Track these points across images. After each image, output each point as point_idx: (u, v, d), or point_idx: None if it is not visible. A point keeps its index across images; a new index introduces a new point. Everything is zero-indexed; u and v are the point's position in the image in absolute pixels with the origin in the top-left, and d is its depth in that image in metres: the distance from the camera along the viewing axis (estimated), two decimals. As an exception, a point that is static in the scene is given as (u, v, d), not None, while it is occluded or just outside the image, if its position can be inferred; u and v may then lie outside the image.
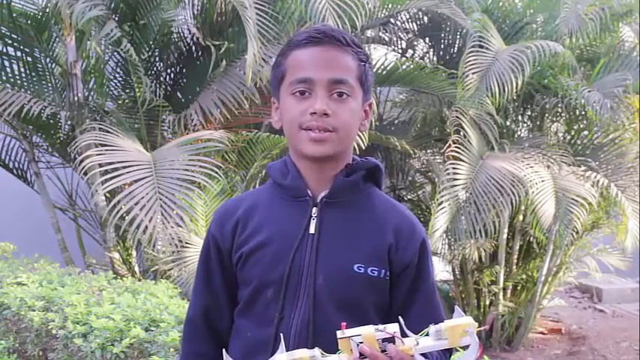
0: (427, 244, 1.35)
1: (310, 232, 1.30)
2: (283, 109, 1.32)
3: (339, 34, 1.30)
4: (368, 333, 1.10)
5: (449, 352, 1.26)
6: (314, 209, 1.31)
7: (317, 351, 1.11)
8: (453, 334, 1.11)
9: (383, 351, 1.10)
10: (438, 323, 1.15)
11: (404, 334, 1.13)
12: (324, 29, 1.31)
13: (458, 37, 5.49)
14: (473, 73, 4.45)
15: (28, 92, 4.48)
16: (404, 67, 5.10)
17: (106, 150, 3.83)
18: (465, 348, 1.13)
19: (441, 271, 5.88)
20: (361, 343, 1.10)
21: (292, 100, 1.29)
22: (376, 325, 1.13)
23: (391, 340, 1.11)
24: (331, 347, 1.25)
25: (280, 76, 1.32)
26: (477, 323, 1.12)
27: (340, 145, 1.29)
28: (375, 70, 5.00)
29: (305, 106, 1.26)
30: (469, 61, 4.48)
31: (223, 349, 1.19)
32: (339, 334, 1.11)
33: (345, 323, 1.12)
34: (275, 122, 1.37)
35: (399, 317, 1.15)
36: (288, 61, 1.31)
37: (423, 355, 1.13)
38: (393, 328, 1.12)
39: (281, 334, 1.13)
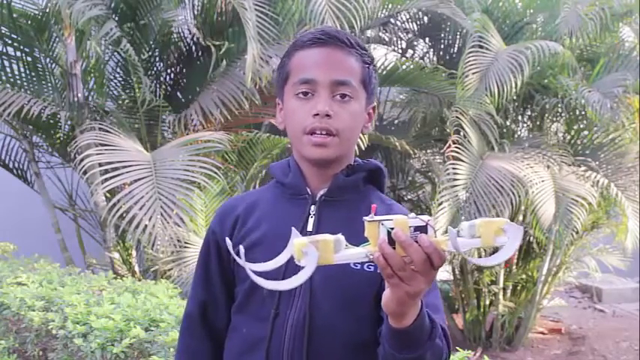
0: None
1: (308, 229, 1.30)
2: (287, 110, 1.32)
3: (344, 35, 1.30)
4: (400, 218, 1.00)
5: (448, 346, 1.21)
6: (312, 207, 1.31)
7: (341, 236, 1.01)
8: (486, 232, 0.99)
9: (414, 241, 1.00)
10: (435, 313, 1.10)
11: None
12: (328, 30, 1.31)
13: (458, 37, 5.49)
14: (473, 73, 4.45)
15: (28, 92, 4.48)
16: (404, 67, 5.10)
17: (105, 150, 3.83)
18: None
19: (441, 271, 5.88)
20: (392, 229, 0.99)
21: (295, 102, 1.29)
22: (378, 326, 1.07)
23: (424, 229, 1.00)
24: (328, 344, 1.25)
25: (284, 76, 1.33)
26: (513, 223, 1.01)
27: (342, 148, 1.30)
28: (375, 70, 5.00)
29: (308, 108, 1.27)
30: (469, 61, 4.48)
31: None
32: (367, 218, 1.01)
33: (375, 205, 1.04)
34: (279, 123, 1.38)
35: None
36: (292, 61, 1.31)
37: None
38: (425, 217, 1.01)
39: (292, 227, 1.04)
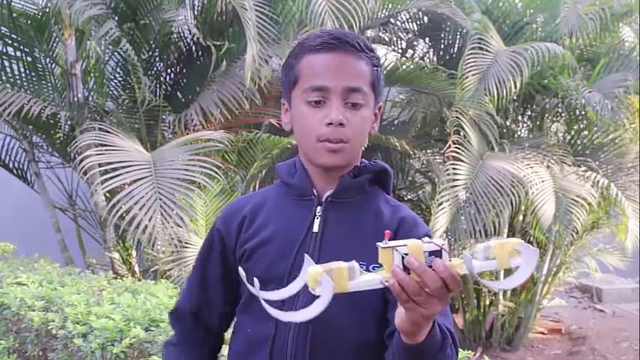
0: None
1: (314, 230, 1.30)
2: (296, 115, 1.31)
3: (354, 39, 1.29)
4: (415, 244, 0.99)
5: (455, 347, 1.21)
6: (318, 208, 1.31)
7: (355, 263, 1.00)
8: (501, 254, 0.98)
9: (429, 266, 0.99)
10: (446, 330, 1.11)
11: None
12: (337, 34, 1.30)
13: (458, 37, 5.49)
14: (472, 75, 4.45)
15: (28, 92, 4.48)
16: (404, 67, 5.10)
17: (105, 150, 3.84)
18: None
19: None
20: (407, 254, 0.98)
21: (306, 109, 1.28)
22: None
23: (438, 253, 0.99)
24: (332, 344, 1.25)
25: (293, 79, 1.31)
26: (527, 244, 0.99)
27: (353, 153, 1.30)
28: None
29: (320, 116, 1.26)
30: (469, 63, 4.48)
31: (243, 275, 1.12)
32: (380, 244, 1.00)
33: (388, 231, 1.03)
34: (285, 124, 1.37)
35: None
36: (302, 65, 1.29)
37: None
38: (439, 241, 1.00)
39: (305, 254, 1.03)
